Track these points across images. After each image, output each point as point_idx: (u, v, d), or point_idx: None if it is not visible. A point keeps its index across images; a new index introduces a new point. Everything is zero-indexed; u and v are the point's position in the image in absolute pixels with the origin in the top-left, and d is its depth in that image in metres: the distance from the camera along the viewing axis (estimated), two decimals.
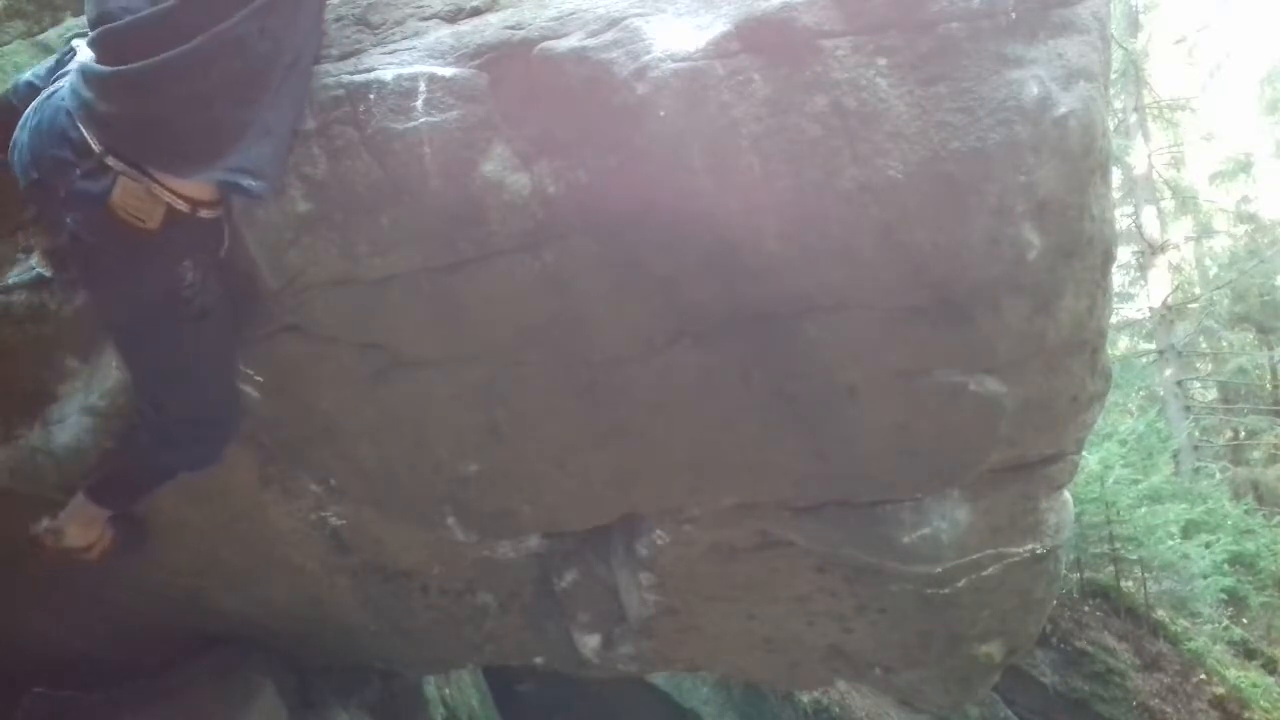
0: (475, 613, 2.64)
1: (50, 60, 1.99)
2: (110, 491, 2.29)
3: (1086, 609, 6.47)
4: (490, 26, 1.79)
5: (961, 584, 2.16)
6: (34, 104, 1.85)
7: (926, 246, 1.66)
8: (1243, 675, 6.72)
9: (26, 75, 2.02)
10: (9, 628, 2.84)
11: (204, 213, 1.80)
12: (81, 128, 1.73)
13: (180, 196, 1.76)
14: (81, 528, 2.32)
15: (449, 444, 2.12)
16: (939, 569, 2.12)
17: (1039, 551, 2.18)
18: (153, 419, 2.10)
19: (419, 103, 1.74)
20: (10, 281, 2.20)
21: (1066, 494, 2.18)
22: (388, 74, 1.77)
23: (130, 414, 2.17)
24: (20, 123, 1.86)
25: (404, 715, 3.63)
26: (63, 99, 1.77)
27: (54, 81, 1.85)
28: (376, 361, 2.01)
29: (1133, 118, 13.79)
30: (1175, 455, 10.62)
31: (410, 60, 1.78)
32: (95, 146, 1.73)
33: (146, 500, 2.33)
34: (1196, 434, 13.32)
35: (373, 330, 1.96)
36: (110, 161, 1.73)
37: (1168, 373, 13.13)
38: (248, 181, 1.72)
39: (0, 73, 2.30)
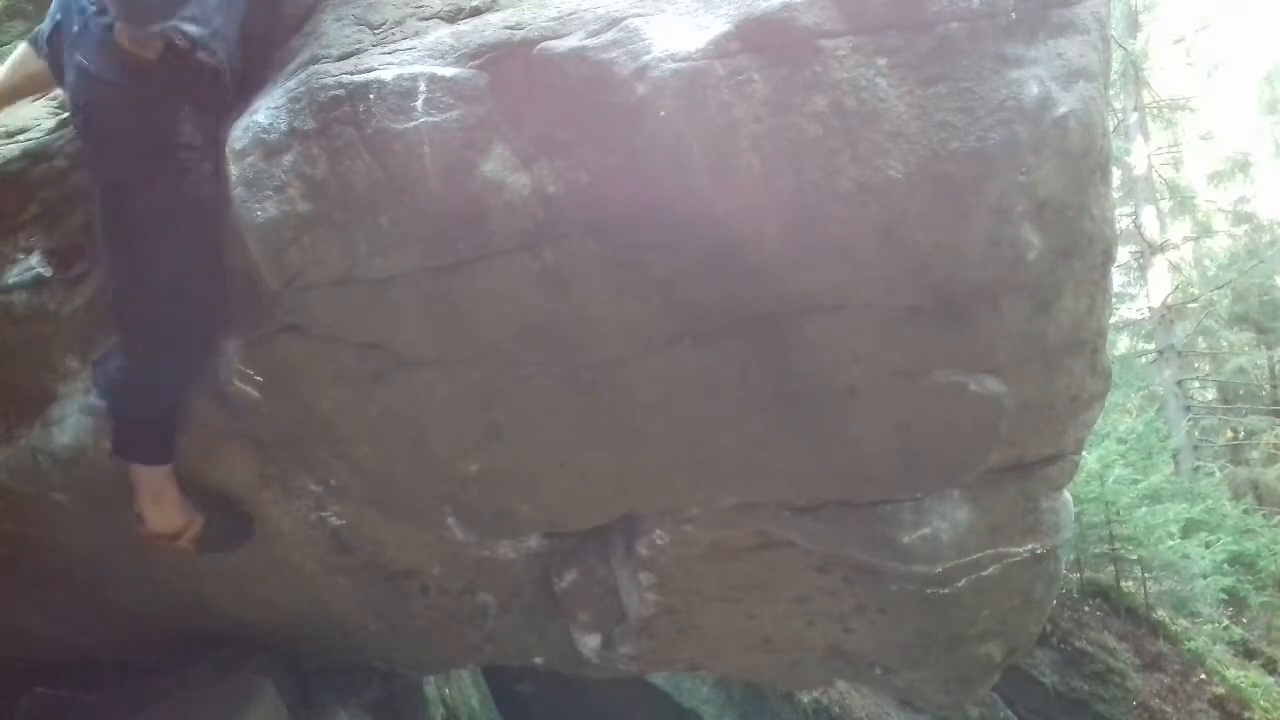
0: (475, 613, 2.64)
1: None
2: (126, 443, 2.23)
3: (1086, 609, 6.47)
4: (490, 26, 1.79)
5: (961, 584, 2.16)
6: None
7: (926, 246, 1.66)
8: (1243, 675, 6.73)
9: None
10: (9, 628, 2.84)
11: (202, 55, 1.91)
12: None
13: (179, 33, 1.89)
14: (153, 503, 2.28)
15: (449, 444, 2.11)
16: (939, 569, 2.12)
17: (1039, 551, 2.18)
18: (118, 350, 2.12)
19: (419, 103, 1.74)
20: (10, 281, 2.20)
21: (1066, 494, 2.18)
22: (388, 74, 1.77)
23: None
24: None
25: (404, 715, 3.63)
26: None
27: None
28: (376, 361, 2.01)
29: (1132, 118, 13.79)
30: (1175, 455, 10.63)
31: (410, 60, 1.78)
32: None
33: (167, 444, 2.25)
34: (1196, 434, 13.31)
35: (373, 330, 1.96)
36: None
37: (1167, 373, 13.12)
38: (190, 28, 1.87)
39: None
